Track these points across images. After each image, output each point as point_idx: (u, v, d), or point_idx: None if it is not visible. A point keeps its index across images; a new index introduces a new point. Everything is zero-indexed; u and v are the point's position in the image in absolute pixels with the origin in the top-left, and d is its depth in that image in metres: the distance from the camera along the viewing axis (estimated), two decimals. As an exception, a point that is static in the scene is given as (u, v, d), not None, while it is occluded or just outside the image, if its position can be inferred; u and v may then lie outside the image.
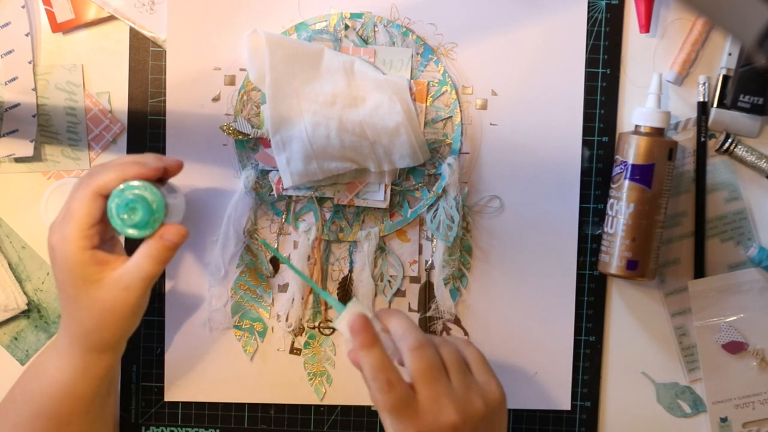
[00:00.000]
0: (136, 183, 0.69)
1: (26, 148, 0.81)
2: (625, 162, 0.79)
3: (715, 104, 0.82)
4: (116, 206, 0.69)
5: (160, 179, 0.72)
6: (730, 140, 0.82)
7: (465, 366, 0.70)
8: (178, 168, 0.73)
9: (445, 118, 0.82)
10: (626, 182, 0.79)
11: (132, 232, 0.69)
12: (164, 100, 0.81)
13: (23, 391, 0.74)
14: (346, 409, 0.84)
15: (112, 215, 0.69)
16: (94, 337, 0.71)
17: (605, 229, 0.81)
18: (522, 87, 0.82)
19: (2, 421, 0.74)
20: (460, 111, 0.82)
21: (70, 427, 0.73)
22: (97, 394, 0.74)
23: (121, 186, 0.69)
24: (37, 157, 0.82)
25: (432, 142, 0.81)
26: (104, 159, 0.82)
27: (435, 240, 0.82)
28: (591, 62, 0.82)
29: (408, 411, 0.67)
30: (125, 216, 0.69)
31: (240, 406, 0.84)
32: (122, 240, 0.77)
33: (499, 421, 0.70)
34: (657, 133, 0.79)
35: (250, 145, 0.82)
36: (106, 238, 0.72)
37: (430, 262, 0.83)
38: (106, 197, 0.69)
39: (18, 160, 0.82)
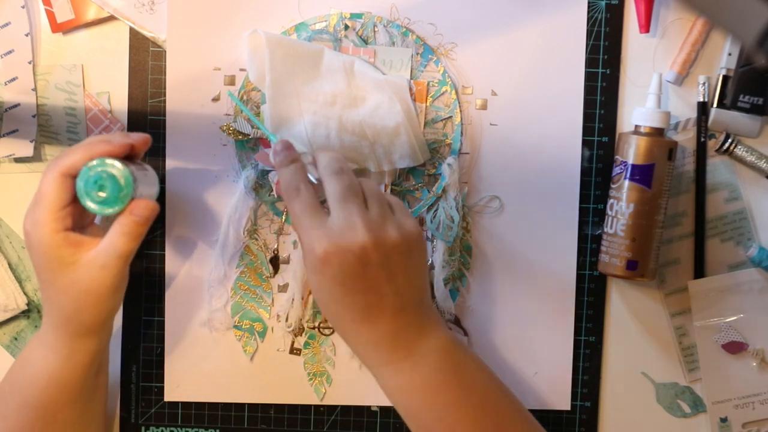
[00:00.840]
0: (102, 161, 0.69)
1: (26, 148, 0.81)
2: (625, 162, 0.79)
3: (715, 104, 0.82)
4: (84, 184, 0.68)
5: (129, 157, 0.72)
6: (730, 140, 0.82)
7: (385, 203, 0.69)
8: (145, 144, 0.73)
9: (445, 118, 0.82)
10: (626, 182, 0.79)
11: (102, 210, 0.69)
12: (164, 100, 0.81)
13: (10, 383, 0.74)
14: (346, 409, 0.84)
15: (81, 194, 0.69)
16: (75, 321, 0.71)
17: (605, 229, 0.81)
18: (522, 87, 0.82)
19: None
20: (460, 111, 0.82)
21: (56, 418, 0.73)
22: (84, 382, 0.74)
23: (88, 164, 0.69)
24: (37, 157, 0.82)
25: (432, 142, 0.81)
26: (104, 159, 0.82)
27: (435, 240, 0.82)
28: (591, 62, 0.82)
29: (315, 220, 0.66)
30: (94, 194, 0.69)
31: (240, 406, 0.84)
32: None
33: (416, 258, 0.68)
34: (657, 133, 0.79)
35: (250, 145, 0.82)
36: (84, 223, 0.72)
37: (430, 262, 0.83)
38: (74, 177, 0.69)
39: (18, 160, 0.82)
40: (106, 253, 0.69)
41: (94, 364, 0.74)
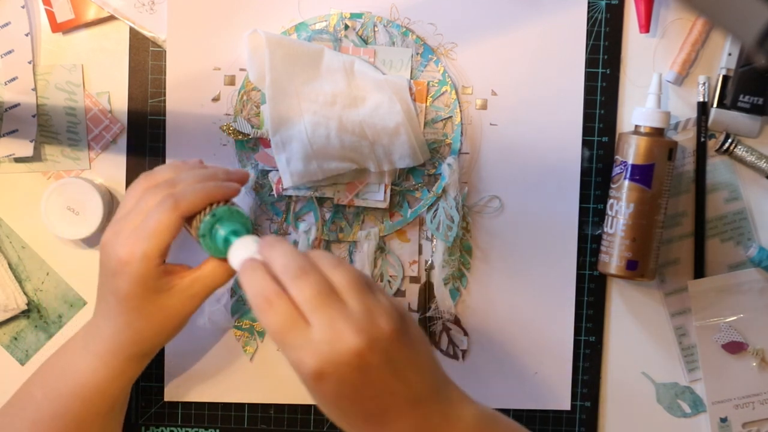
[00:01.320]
0: (229, 209, 0.68)
1: (26, 148, 0.81)
2: (625, 162, 0.79)
3: (715, 104, 0.82)
4: (222, 237, 0.67)
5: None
6: (730, 140, 0.82)
7: (364, 287, 0.60)
8: (246, 180, 0.74)
9: (445, 118, 0.82)
10: (626, 182, 0.79)
11: (223, 254, 0.68)
12: (164, 100, 0.82)
13: (46, 389, 0.73)
14: (346, 409, 0.84)
15: (210, 239, 0.68)
16: (146, 344, 0.72)
17: (605, 229, 0.81)
18: (522, 87, 0.82)
19: (20, 419, 0.73)
20: (460, 111, 0.82)
21: (91, 427, 0.73)
22: (124, 394, 0.75)
23: (215, 211, 0.68)
24: (37, 157, 0.82)
25: (432, 142, 0.81)
26: (104, 159, 0.82)
27: (435, 240, 0.82)
28: (591, 62, 0.82)
29: (298, 335, 0.58)
30: (219, 240, 0.68)
31: (240, 406, 0.84)
32: None
33: (415, 337, 0.61)
34: (657, 133, 0.79)
35: (250, 145, 0.82)
36: None
37: (430, 262, 0.83)
38: (186, 218, 0.68)
39: (18, 160, 0.82)
40: (202, 283, 0.70)
41: (135, 378, 0.75)
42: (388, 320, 0.59)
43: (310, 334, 0.58)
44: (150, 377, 0.83)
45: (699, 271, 0.83)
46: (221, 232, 0.67)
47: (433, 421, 0.61)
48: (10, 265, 0.83)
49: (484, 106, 0.82)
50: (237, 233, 0.67)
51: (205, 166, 0.74)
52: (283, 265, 0.60)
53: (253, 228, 0.69)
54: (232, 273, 0.70)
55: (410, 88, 0.81)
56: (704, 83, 0.81)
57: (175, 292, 0.69)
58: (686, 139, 0.83)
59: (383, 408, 0.60)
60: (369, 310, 0.59)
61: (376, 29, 0.81)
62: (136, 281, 0.68)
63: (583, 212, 0.83)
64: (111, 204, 0.81)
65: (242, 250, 0.65)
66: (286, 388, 0.83)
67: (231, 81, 0.81)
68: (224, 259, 0.68)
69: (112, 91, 0.82)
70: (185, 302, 0.70)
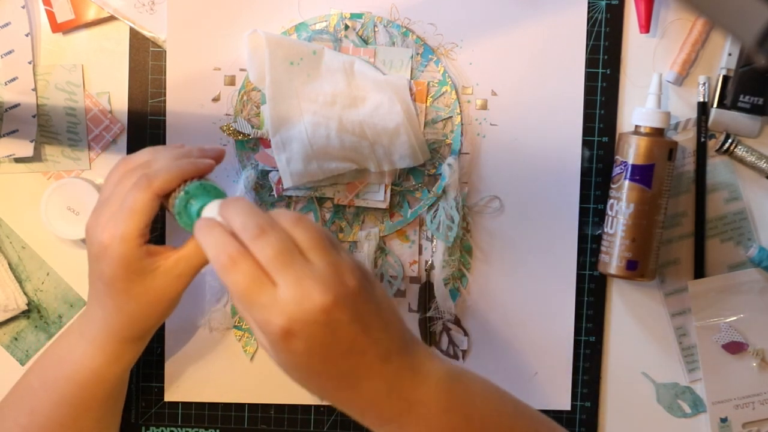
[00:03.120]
0: (202, 184, 0.68)
1: (26, 148, 0.81)
2: (625, 162, 0.79)
3: (715, 104, 0.82)
4: (196, 210, 0.67)
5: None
6: (730, 140, 0.82)
7: (328, 244, 0.60)
8: (222, 157, 0.73)
9: (445, 119, 0.82)
10: (626, 182, 0.79)
11: None
12: (164, 100, 0.82)
13: (43, 378, 0.74)
14: (346, 409, 0.84)
15: (185, 216, 0.68)
16: (138, 326, 0.72)
17: (605, 230, 0.81)
18: (522, 87, 0.82)
19: (17, 409, 0.74)
20: (460, 111, 0.82)
21: (88, 414, 0.74)
22: (121, 381, 0.75)
23: (187, 188, 0.68)
24: (37, 157, 0.82)
25: (432, 143, 0.81)
26: (104, 159, 0.82)
27: (435, 240, 0.82)
28: (591, 62, 0.82)
29: (264, 294, 0.57)
30: (194, 215, 0.68)
31: (240, 406, 0.84)
32: None
33: (379, 292, 0.61)
34: (657, 133, 0.79)
35: (250, 145, 0.82)
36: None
37: (430, 262, 0.83)
38: (161, 196, 0.69)
39: (18, 160, 0.82)
40: (186, 262, 0.70)
41: (133, 363, 0.75)
42: (353, 277, 0.58)
43: (276, 294, 0.57)
44: (150, 377, 0.83)
45: (699, 272, 0.83)
46: (194, 207, 0.68)
47: (403, 378, 0.61)
48: (10, 265, 0.83)
49: (484, 106, 0.82)
50: (208, 204, 0.67)
51: (182, 146, 0.74)
52: (241, 223, 0.59)
53: None
54: None
55: (410, 89, 0.81)
56: (704, 83, 0.81)
57: (159, 273, 0.69)
58: (686, 139, 0.83)
59: (353, 366, 0.59)
60: (334, 267, 0.58)
61: (376, 29, 0.81)
62: (119, 263, 0.68)
63: (583, 212, 0.83)
64: (111, 204, 0.81)
65: (206, 214, 0.66)
66: (286, 388, 0.83)
67: (231, 81, 0.81)
68: None
69: (112, 91, 0.82)
70: (171, 282, 0.70)
